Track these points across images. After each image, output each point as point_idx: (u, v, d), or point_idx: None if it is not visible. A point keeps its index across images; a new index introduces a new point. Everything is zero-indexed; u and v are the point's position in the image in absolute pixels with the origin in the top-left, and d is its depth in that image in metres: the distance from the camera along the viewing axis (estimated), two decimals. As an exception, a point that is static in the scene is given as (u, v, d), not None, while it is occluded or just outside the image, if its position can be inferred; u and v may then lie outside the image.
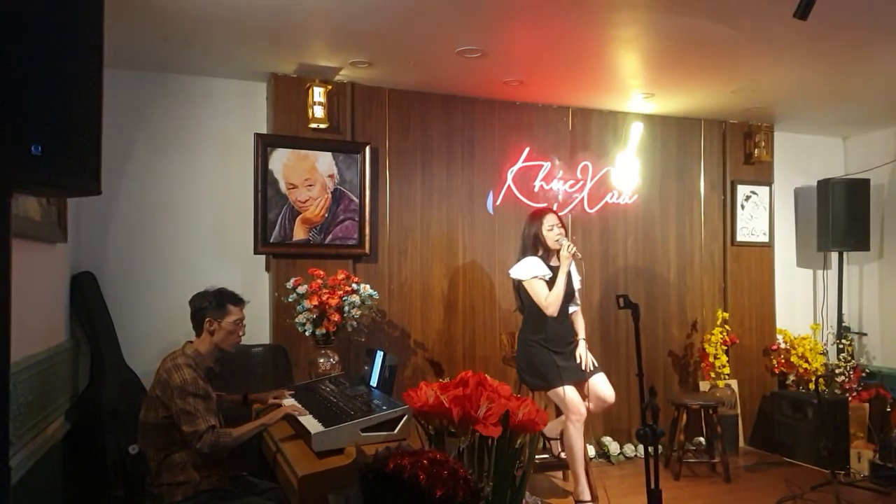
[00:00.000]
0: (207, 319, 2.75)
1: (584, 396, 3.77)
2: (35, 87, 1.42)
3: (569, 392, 3.70)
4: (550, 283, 3.79)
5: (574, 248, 3.76)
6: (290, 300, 3.74)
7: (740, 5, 3.13)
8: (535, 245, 3.90)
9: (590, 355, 3.89)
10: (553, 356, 3.78)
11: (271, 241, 4.06)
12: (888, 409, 5.16)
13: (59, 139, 1.45)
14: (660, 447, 5.02)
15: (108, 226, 4.04)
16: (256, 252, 4.07)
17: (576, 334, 3.94)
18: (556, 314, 3.78)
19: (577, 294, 3.97)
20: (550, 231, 3.86)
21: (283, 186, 4.10)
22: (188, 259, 4.15)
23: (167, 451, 2.63)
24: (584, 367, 3.83)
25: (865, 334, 5.83)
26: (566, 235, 3.89)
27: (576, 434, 3.70)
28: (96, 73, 1.57)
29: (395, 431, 2.63)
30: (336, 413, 2.74)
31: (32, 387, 2.79)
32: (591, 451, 4.85)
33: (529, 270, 3.84)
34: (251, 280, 4.20)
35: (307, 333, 3.69)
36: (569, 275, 3.83)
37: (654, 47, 3.80)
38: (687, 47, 3.77)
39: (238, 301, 2.84)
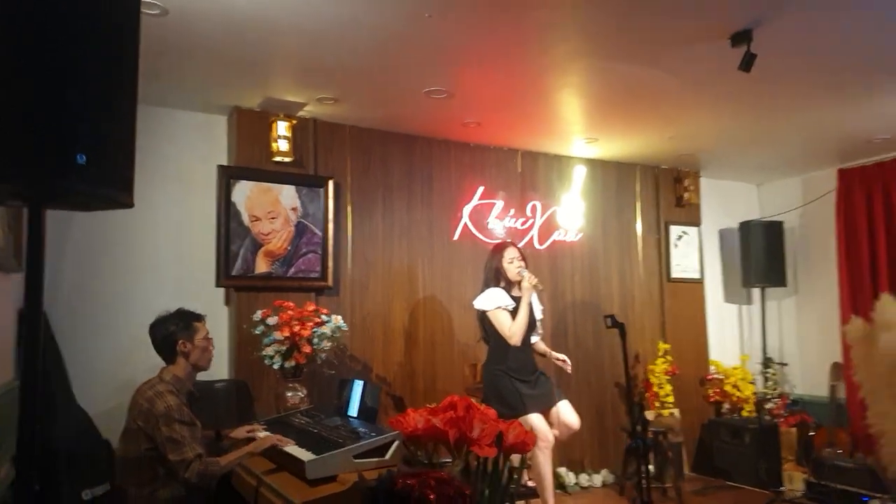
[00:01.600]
0: (180, 342, 2.71)
1: (551, 424, 3.87)
2: (81, 96, 1.40)
3: (535, 420, 3.79)
4: (513, 313, 3.91)
5: (535, 280, 3.91)
6: (257, 332, 3.68)
7: (684, 58, 3.43)
8: (496, 277, 4.02)
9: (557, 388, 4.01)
10: (518, 385, 3.88)
11: (233, 273, 4.00)
12: (812, 433, 5.53)
13: (101, 149, 1.44)
14: (613, 476, 5.19)
15: (59, 258, 3.86)
16: (218, 285, 3.99)
17: (544, 355, 4.07)
18: (519, 343, 3.89)
19: (538, 324, 4.11)
20: (511, 263, 4.00)
21: (245, 219, 4.07)
22: (144, 293, 4.01)
23: (152, 488, 2.52)
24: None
25: (786, 364, 6.26)
26: (526, 267, 4.04)
27: (544, 461, 3.78)
28: (133, 86, 1.59)
29: (387, 457, 2.63)
30: (323, 442, 2.71)
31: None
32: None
33: (493, 301, 3.95)
34: (210, 314, 4.01)
35: (275, 366, 3.63)
36: (530, 305, 3.96)
37: (600, 94, 4.07)
38: (631, 95, 4.06)
39: (200, 317, 2.85)
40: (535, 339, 4.08)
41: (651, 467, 5.18)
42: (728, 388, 5.78)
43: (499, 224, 5.06)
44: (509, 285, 4.01)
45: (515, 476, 2.63)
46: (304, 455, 2.54)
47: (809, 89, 3.95)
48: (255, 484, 2.70)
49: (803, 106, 4.26)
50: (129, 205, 1.54)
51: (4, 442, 3.12)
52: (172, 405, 2.52)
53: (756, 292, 6.23)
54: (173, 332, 2.74)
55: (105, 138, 1.45)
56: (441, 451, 2.80)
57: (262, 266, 4.09)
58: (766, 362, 6.00)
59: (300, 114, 4.28)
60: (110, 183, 1.46)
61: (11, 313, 3.44)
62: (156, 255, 4.09)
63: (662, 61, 3.48)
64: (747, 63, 3.05)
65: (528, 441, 2.62)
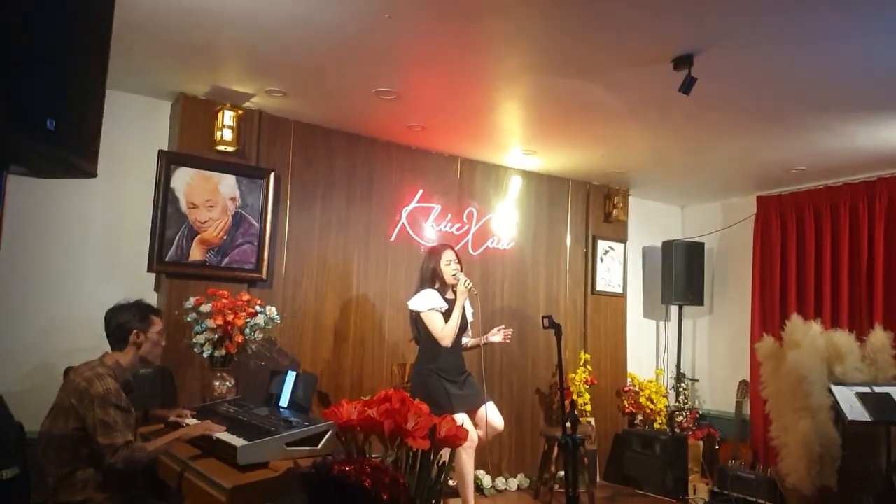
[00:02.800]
0: (134, 332, 2.67)
1: (476, 425, 3.97)
2: (55, 63, 1.41)
3: (461, 420, 3.87)
4: (446, 315, 4.00)
5: (470, 284, 4.01)
6: (189, 319, 3.62)
7: (627, 78, 3.63)
8: (432, 279, 4.10)
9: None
10: (446, 384, 3.96)
11: (167, 259, 3.93)
12: (717, 447, 5.87)
13: (71, 116, 1.45)
14: (528, 480, 5.34)
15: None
16: (150, 270, 3.91)
17: (479, 344, 4.17)
18: (450, 345, 3.98)
19: (470, 326, 4.21)
20: (448, 266, 4.09)
21: (183, 205, 4.00)
22: (69, 275, 3.89)
23: (71, 468, 2.46)
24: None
25: (697, 380, 6.61)
26: (461, 271, 4.14)
27: (467, 461, 3.87)
28: (105, 58, 1.59)
29: (320, 447, 2.66)
30: (254, 429, 2.72)
31: None
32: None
33: (427, 303, 4.02)
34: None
35: (205, 355, 3.59)
36: (463, 308, 4.06)
37: (543, 108, 4.23)
38: (572, 111, 4.24)
39: (158, 312, 2.84)
40: (465, 340, 4.17)
41: (561, 473, 5.39)
42: (642, 400, 6.05)
43: (434, 228, 5.15)
44: (443, 287, 4.10)
45: (446, 469, 2.72)
46: (235, 441, 2.54)
47: (737, 118, 4.23)
48: (181, 470, 2.68)
49: (730, 133, 4.55)
50: (93, 174, 1.54)
51: None
52: (111, 389, 2.49)
53: (674, 309, 6.55)
54: (129, 322, 2.70)
55: (75, 106, 1.47)
56: (373, 444, 2.85)
57: (196, 254, 4.03)
58: (679, 377, 6.32)
59: (246, 105, 4.26)
60: (77, 150, 1.47)
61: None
62: (84, 236, 3.97)
63: (606, 80, 3.66)
64: (687, 86, 3.25)
65: (460, 435, 2.72)
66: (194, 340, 3.59)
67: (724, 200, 6.56)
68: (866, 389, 3.96)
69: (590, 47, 3.26)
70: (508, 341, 4.19)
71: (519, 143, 5.01)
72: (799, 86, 3.66)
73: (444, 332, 3.95)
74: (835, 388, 4.00)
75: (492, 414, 4.01)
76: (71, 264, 3.92)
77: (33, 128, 1.36)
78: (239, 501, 2.26)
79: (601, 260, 6.17)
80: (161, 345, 2.80)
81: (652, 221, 6.71)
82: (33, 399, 3.41)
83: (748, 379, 5.75)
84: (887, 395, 3.90)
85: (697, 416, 6.20)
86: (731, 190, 6.21)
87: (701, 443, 5.95)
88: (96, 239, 4.00)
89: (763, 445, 5.46)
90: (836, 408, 4.00)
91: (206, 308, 3.61)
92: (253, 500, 2.27)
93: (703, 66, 3.24)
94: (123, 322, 2.68)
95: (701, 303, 6.32)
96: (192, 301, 3.68)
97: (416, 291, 4.11)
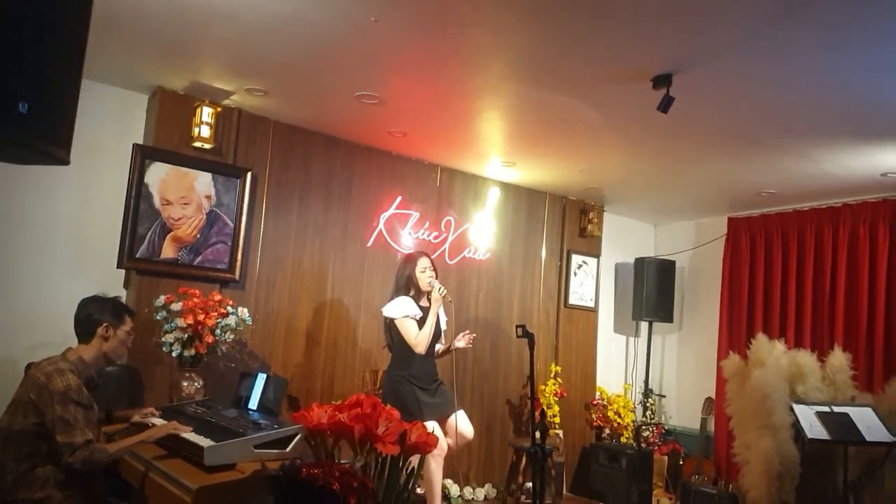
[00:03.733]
0: (104, 325, 2.63)
1: (446, 433, 3.96)
2: (26, 46, 1.38)
3: (431, 427, 3.86)
4: (420, 322, 4.00)
5: (445, 291, 4.02)
6: (158, 318, 3.57)
7: (607, 95, 3.68)
8: (407, 286, 4.09)
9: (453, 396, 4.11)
10: (417, 392, 3.95)
11: (138, 255, 3.86)
12: (681, 462, 5.93)
13: (44, 102, 1.42)
14: (495, 490, 5.34)
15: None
16: (120, 266, 3.84)
17: (448, 349, 4.15)
18: (424, 352, 3.97)
19: (443, 335, 4.21)
20: (423, 273, 4.09)
21: (157, 201, 3.94)
22: (35, 269, 3.80)
23: (30, 464, 2.40)
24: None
25: (664, 396, 6.69)
26: (437, 279, 4.14)
27: (436, 469, 3.86)
28: (81, 45, 1.57)
29: (288, 450, 2.64)
30: (222, 430, 2.68)
31: None
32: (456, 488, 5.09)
33: (401, 310, 4.01)
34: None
35: (174, 354, 3.53)
36: (438, 315, 4.06)
37: (524, 120, 4.27)
38: (552, 124, 4.28)
39: (132, 313, 2.81)
40: (438, 347, 4.17)
41: (530, 484, 5.40)
42: (610, 414, 6.10)
43: (411, 236, 5.15)
44: (418, 295, 4.09)
45: (414, 475, 2.71)
46: (202, 441, 2.51)
47: (711, 139, 4.31)
48: (145, 470, 2.63)
49: (705, 154, 4.63)
50: (66, 161, 1.52)
51: None
52: (72, 385, 2.43)
53: (644, 325, 6.63)
54: (101, 314, 2.66)
55: (49, 92, 1.44)
56: (342, 449, 2.83)
57: (168, 251, 3.98)
58: (647, 393, 6.39)
59: (226, 102, 4.22)
60: (49, 137, 1.45)
61: None
62: (53, 229, 3.89)
63: (587, 94, 3.71)
64: (665, 105, 3.31)
65: (430, 442, 2.71)
66: (163, 339, 3.53)
67: (696, 220, 6.67)
68: (826, 409, 4.05)
69: (571, 61, 3.30)
70: (471, 346, 4.18)
71: (499, 154, 5.04)
72: (775, 110, 3.74)
73: (418, 339, 3.94)
74: (796, 407, 4.08)
75: (462, 422, 4.01)
76: (38, 258, 3.83)
77: (5, 110, 1.33)
78: (205, 502, 2.23)
79: (575, 274, 6.22)
80: (127, 345, 2.77)
81: (625, 238, 6.79)
82: (-6, 393, 3.33)
83: (713, 396, 5.83)
84: (845, 414, 3.99)
85: (663, 431, 6.26)
86: (703, 210, 6.32)
87: (666, 458, 6.01)
88: (65, 233, 3.92)
89: (726, 461, 5.54)
90: (796, 426, 4.08)
91: (176, 307, 3.56)
92: (219, 501, 2.25)
93: (681, 85, 3.31)
94: (94, 313, 2.64)
95: (671, 320, 6.40)
96: (162, 299, 3.62)
97: (391, 298, 4.10)
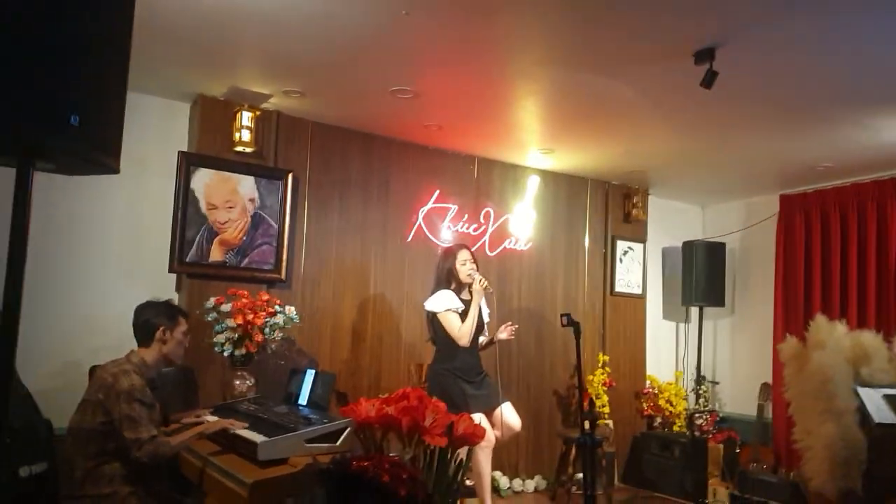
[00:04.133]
0: (161, 329, 2.75)
1: (493, 425, 3.96)
2: (79, 61, 1.44)
3: (478, 419, 3.87)
4: (462, 315, 4.00)
5: (486, 283, 4.01)
6: (209, 319, 3.66)
7: (647, 73, 3.59)
8: (448, 279, 4.10)
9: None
10: (463, 384, 3.96)
11: (188, 260, 3.97)
12: (737, 450, 5.79)
13: (94, 114, 1.47)
14: (545, 482, 5.32)
15: (5, 237, 3.75)
16: (171, 270, 3.95)
17: (492, 341, 4.14)
18: (468, 345, 3.98)
19: (486, 327, 4.20)
20: (463, 266, 4.09)
21: (203, 206, 4.04)
22: (93, 276, 3.95)
23: (98, 461, 2.51)
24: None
25: (718, 383, 6.54)
26: (477, 271, 4.13)
27: (484, 461, 3.86)
28: (126, 57, 1.62)
29: (338, 444, 2.67)
30: (274, 426, 2.74)
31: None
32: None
33: (443, 303, 4.02)
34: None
35: (225, 354, 3.62)
36: (480, 308, 4.06)
37: (561, 105, 4.20)
38: (591, 107, 4.21)
39: (185, 314, 2.94)
40: (481, 340, 4.17)
41: (581, 475, 5.34)
42: (662, 402, 6.00)
43: (450, 229, 5.14)
44: (459, 287, 4.10)
45: (463, 467, 2.71)
46: (255, 437, 2.56)
47: (760, 114, 4.16)
48: (202, 466, 2.70)
49: (752, 129, 4.48)
50: (115, 170, 1.56)
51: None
52: (136, 385, 2.55)
53: (694, 311, 6.49)
54: (157, 318, 2.78)
55: (98, 104, 1.49)
56: (391, 442, 2.85)
57: (216, 254, 4.07)
58: (700, 380, 6.26)
59: (264, 105, 4.29)
60: (100, 147, 1.49)
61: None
62: (107, 238, 4.04)
63: (626, 75, 3.63)
64: (709, 80, 3.21)
65: (477, 433, 2.71)
66: (215, 340, 3.62)
67: (745, 199, 6.49)
68: (894, 391, 3.88)
69: (608, 41, 3.23)
70: (513, 338, 4.16)
71: (537, 142, 4.99)
72: (825, 78, 3.59)
73: (461, 332, 3.95)
74: (861, 390, 3.93)
75: (508, 414, 4.01)
76: (95, 266, 3.98)
77: (58, 123, 1.38)
78: (259, 496, 2.28)
79: (620, 261, 6.13)
80: (184, 345, 2.89)
81: (672, 221, 6.66)
82: (60, 397, 3.46)
83: (770, 381, 5.67)
84: (916, 397, 3.82)
85: (718, 418, 6.12)
86: (753, 189, 6.14)
87: (721, 446, 5.88)
88: (119, 240, 4.06)
89: (785, 449, 5.38)
90: (862, 410, 3.92)
91: (226, 308, 3.64)
92: (273, 495, 2.29)
93: (725, 59, 3.20)
94: (150, 318, 2.76)
95: (722, 304, 6.25)
96: (212, 301, 3.71)
97: (433, 292, 4.11)
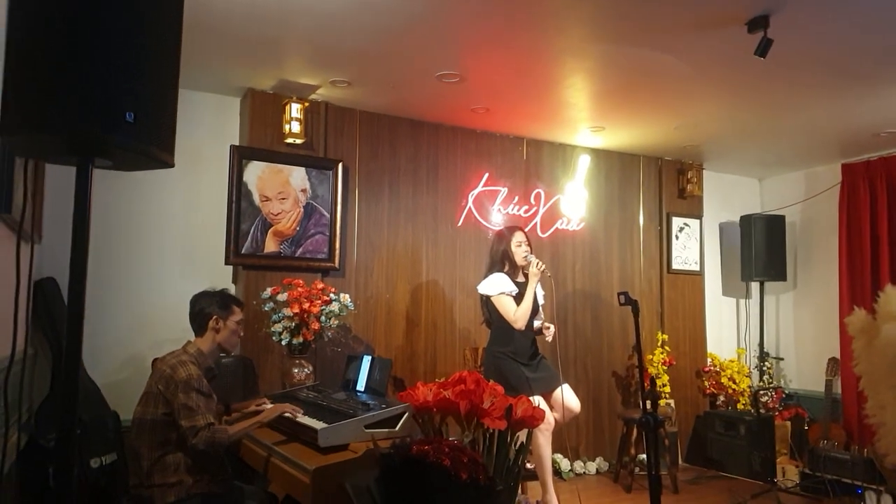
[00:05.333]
0: (214, 318, 2.79)
1: (552, 407, 3.93)
2: (132, 60, 1.47)
3: (537, 402, 3.84)
4: (517, 297, 3.96)
5: (543, 266, 3.96)
6: (266, 308, 3.73)
7: (698, 43, 3.47)
8: (502, 261, 4.06)
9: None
10: (520, 368, 3.93)
11: (243, 252, 4.05)
12: (806, 427, 5.61)
13: (148, 110, 1.51)
14: (607, 464, 5.27)
15: (68, 233, 3.89)
16: (227, 262, 4.04)
17: (539, 331, 4.11)
18: (523, 327, 3.94)
19: (541, 309, 4.16)
20: (519, 248, 4.05)
21: (256, 199, 4.11)
22: (153, 269, 4.07)
23: (162, 451, 2.58)
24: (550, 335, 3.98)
25: (782, 359, 6.34)
26: (531, 253, 4.09)
27: (544, 443, 3.84)
28: (177, 55, 1.65)
29: (397, 428, 2.69)
30: (333, 413, 2.77)
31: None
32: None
33: (497, 286, 3.99)
34: (218, 292, 4.14)
35: (283, 343, 3.68)
36: (535, 291, 4.01)
37: (610, 80, 4.09)
38: (641, 82, 4.09)
39: (240, 303, 2.94)
40: (537, 323, 4.13)
41: (643, 456, 5.26)
42: (724, 380, 5.85)
43: (500, 212, 5.10)
44: (514, 270, 4.06)
45: (523, 450, 2.69)
46: (316, 424, 2.60)
47: (818, 80, 3.98)
48: (266, 454, 2.76)
49: (811, 97, 4.29)
50: (170, 164, 1.60)
51: (15, 411, 3.16)
52: (193, 374, 2.61)
53: (755, 286, 6.30)
54: (210, 308, 2.82)
55: (152, 100, 1.53)
56: (450, 426, 2.86)
57: (271, 246, 4.14)
58: (763, 356, 6.08)
59: (312, 97, 4.32)
60: (155, 142, 1.53)
61: (26, 284, 3.48)
62: (164, 232, 4.15)
63: (676, 47, 3.51)
64: (763, 49, 3.08)
65: (536, 416, 2.69)
66: (272, 329, 3.69)
67: (805, 170, 6.23)
68: (971, 362, 3.68)
69: (656, 12, 3.13)
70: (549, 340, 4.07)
71: (586, 120, 4.89)
72: (884, 38, 3.39)
73: (517, 315, 3.92)
74: (936, 361, 3.74)
75: (568, 396, 3.96)
76: (154, 260, 4.10)
77: (114, 121, 1.43)
78: (321, 482, 2.32)
79: (676, 237, 5.98)
80: (239, 334, 2.91)
81: (728, 195, 6.46)
82: (126, 389, 3.61)
83: (838, 356, 5.46)
84: None
85: (784, 395, 5.94)
86: (813, 158, 5.89)
87: (788, 423, 5.70)
88: (177, 235, 4.17)
89: (857, 425, 5.18)
90: (938, 382, 3.74)
91: (282, 297, 3.71)
92: (334, 480, 2.32)
93: (779, 26, 3.06)
94: (204, 307, 2.81)
95: (784, 278, 6.04)
96: (268, 291, 3.78)
97: (486, 275, 4.09)
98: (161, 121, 1.56)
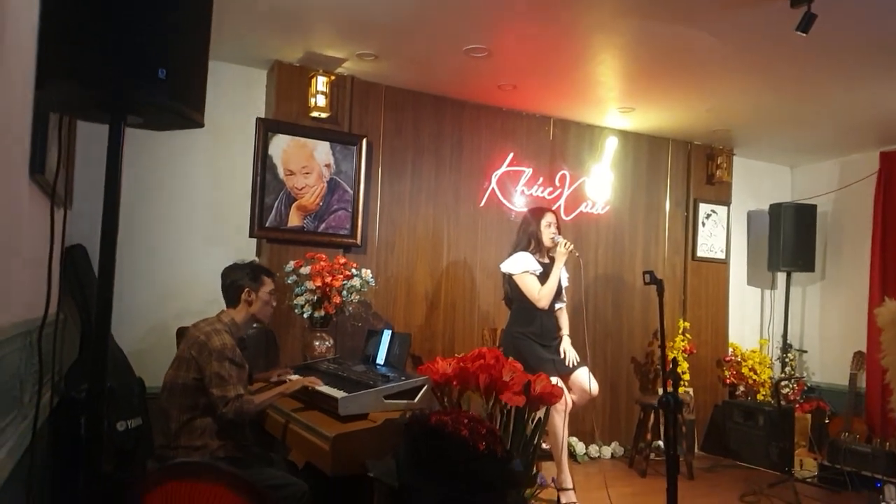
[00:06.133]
0: (246, 290, 2.83)
1: (570, 389, 3.92)
2: (160, 18, 1.47)
3: (554, 382, 3.83)
4: (542, 278, 3.94)
5: (571, 245, 3.94)
6: (289, 281, 3.76)
7: (736, 20, 3.38)
8: (530, 241, 4.04)
9: (573, 351, 4.05)
10: (539, 349, 3.92)
11: (267, 225, 4.08)
12: (827, 421, 5.54)
13: (180, 68, 1.51)
14: (622, 449, 5.25)
15: (97, 202, 3.94)
16: (252, 235, 4.07)
17: (559, 329, 4.10)
18: (547, 307, 3.93)
19: (563, 292, 4.14)
20: (548, 228, 4.03)
21: (281, 172, 4.13)
22: (178, 239, 4.12)
23: (191, 415, 2.63)
24: (567, 363, 3.97)
25: (806, 351, 6.25)
26: (559, 234, 4.07)
27: (561, 425, 3.82)
28: (208, 16, 1.65)
29: (416, 400, 2.70)
30: (353, 383, 2.79)
31: (24, 357, 2.69)
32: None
33: (520, 265, 3.98)
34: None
35: (305, 315, 3.71)
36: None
37: (643, 58, 4.02)
38: (675, 60, 4.01)
39: (271, 273, 2.98)
40: (559, 305, 4.11)
41: (660, 443, 5.23)
42: (745, 370, 5.79)
43: (524, 194, 5.05)
44: (539, 250, 4.04)
45: (540, 427, 2.69)
46: (336, 393, 2.62)
47: (860, 61, 3.86)
48: (284, 421, 2.79)
49: (851, 80, 4.17)
50: (201, 124, 1.60)
51: (48, 370, 3.23)
52: (228, 344, 2.65)
53: (781, 276, 6.20)
54: (241, 280, 2.85)
55: (183, 58, 1.54)
56: (470, 402, 2.86)
57: (294, 220, 4.16)
58: (786, 348, 6.00)
59: (339, 70, 4.32)
60: (186, 100, 1.54)
61: (59, 248, 3.53)
62: (190, 204, 4.19)
63: (713, 23, 3.42)
64: (806, 24, 2.98)
65: (555, 393, 2.68)
66: (295, 302, 3.72)
67: (840, 158, 6.09)
68: None
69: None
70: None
71: (616, 100, 4.81)
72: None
73: (542, 294, 3.90)
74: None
75: (586, 378, 3.94)
76: (180, 232, 4.14)
77: (146, 77, 1.44)
78: (341, 449, 2.33)
79: (703, 224, 5.90)
80: (272, 305, 2.95)
81: (758, 183, 6.35)
82: (150, 357, 3.67)
83: (864, 349, 5.37)
84: None
85: (805, 388, 5.86)
86: (849, 146, 5.74)
87: (809, 416, 5.64)
88: (202, 207, 4.21)
89: (880, 418, 5.10)
90: (968, 378, 3.67)
91: (305, 270, 3.73)
92: (354, 448, 2.34)
93: (820, 3, 2.97)
94: (236, 280, 2.84)
95: (812, 269, 5.94)
96: (291, 264, 3.81)
97: (511, 253, 4.07)
98: (192, 80, 1.57)
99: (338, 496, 2.80)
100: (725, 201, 5.99)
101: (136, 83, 1.43)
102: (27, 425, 2.25)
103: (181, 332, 3.38)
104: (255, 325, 2.97)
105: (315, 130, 4.24)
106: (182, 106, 1.54)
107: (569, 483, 3.85)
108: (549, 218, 4.02)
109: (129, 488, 1.57)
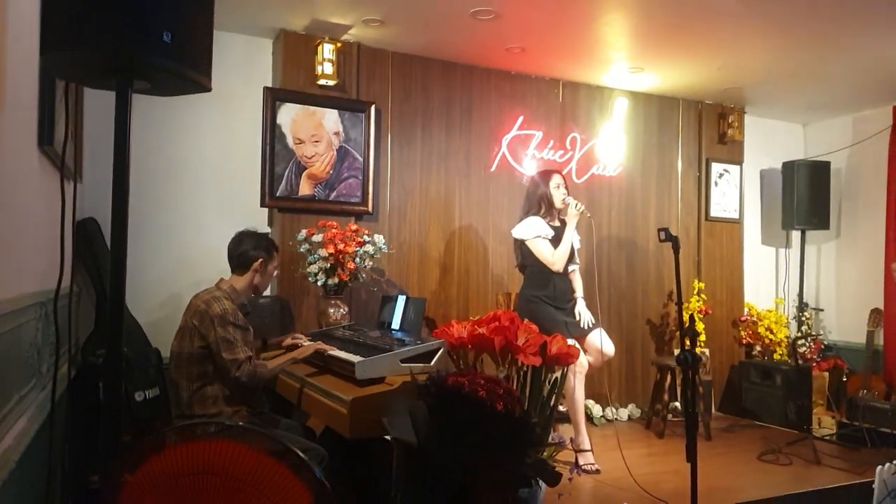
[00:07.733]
0: (259, 261, 2.84)
1: (585, 351, 3.92)
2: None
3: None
4: (554, 241, 3.93)
5: (583, 206, 3.92)
6: (302, 250, 3.76)
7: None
8: (539, 204, 4.01)
9: (588, 312, 4.04)
10: (554, 311, 3.92)
11: (278, 195, 4.07)
12: (844, 379, 5.52)
13: (185, 32, 1.50)
14: (639, 411, 5.27)
15: (107, 174, 3.94)
16: (263, 205, 4.07)
17: (573, 291, 4.08)
18: (560, 270, 3.92)
19: (576, 254, 4.12)
20: (557, 189, 4.00)
21: (290, 141, 4.11)
22: (190, 211, 4.12)
23: (200, 383, 2.66)
24: (582, 325, 3.97)
25: (822, 310, 6.21)
26: (569, 195, 4.04)
27: (578, 386, 3.85)
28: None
29: (432, 363, 2.70)
30: (370, 348, 2.80)
31: (41, 328, 2.71)
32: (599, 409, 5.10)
33: (532, 230, 3.96)
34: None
35: (319, 283, 3.72)
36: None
37: (653, 15, 3.93)
38: (686, 16, 3.92)
39: (278, 249, 3.05)
40: (572, 268, 4.09)
41: (677, 404, 5.25)
42: (761, 330, 5.77)
43: (534, 158, 5.01)
44: (550, 214, 4.01)
45: (557, 387, 2.69)
46: (353, 357, 2.63)
47: (876, 10, 3.76)
48: (299, 385, 2.81)
49: (864, 33, 4.08)
50: (208, 88, 1.59)
51: (65, 341, 3.26)
52: (228, 309, 2.66)
53: (796, 235, 6.14)
54: (256, 251, 2.87)
55: (188, 22, 1.53)
56: (485, 365, 2.86)
57: (305, 189, 4.15)
58: (802, 307, 5.96)
59: (345, 37, 4.26)
60: (191, 64, 1.53)
61: (70, 220, 3.55)
62: (201, 176, 4.18)
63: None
64: None
65: (571, 353, 2.68)
66: (308, 270, 3.72)
67: (853, 114, 5.98)
68: None
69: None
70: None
71: (625, 60, 4.73)
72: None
73: (555, 257, 3.90)
74: None
75: (602, 340, 3.94)
76: (191, 204, 4.14)
77: (151, 40, 1.43)
78: (359, 411, 2.35)
79: (715, 184, 5.83)
80: (272, 278, 3.03)
81: (771, 141, 6.25)
82: (166, 327, 3.68)
83: (882, 306, 5.33)
84: None
85: (822, 346, 5.84)
86: (863, 101, 5.64)
87: (826, 374, 5.63)
88: (213, 178, 4.20)
89: (900, 375, 5.08)
90: None
91: (317, 238, 3.73)
92: (371, 411, 2.35)
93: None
94: (250, 249, 2.85)
95: (826, 227, 5.87)
96: (304, 233, 3.80)
97: (522, 218, 4.05)
98: (197, 43, 1.55)
99: (356, 463, 2.83)
100: (738, 160, 5.91)
101: (142, 47, 1.42)
102: (46, 395, 2.28)
103: (192, 300, 3.40)
104: (253, 295, 2.98)
105: (323, 98, 4.21)
106: (188, 69, 1.52)
107: (587, 444, 3.88)
108: (557, 179, 3.99)
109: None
